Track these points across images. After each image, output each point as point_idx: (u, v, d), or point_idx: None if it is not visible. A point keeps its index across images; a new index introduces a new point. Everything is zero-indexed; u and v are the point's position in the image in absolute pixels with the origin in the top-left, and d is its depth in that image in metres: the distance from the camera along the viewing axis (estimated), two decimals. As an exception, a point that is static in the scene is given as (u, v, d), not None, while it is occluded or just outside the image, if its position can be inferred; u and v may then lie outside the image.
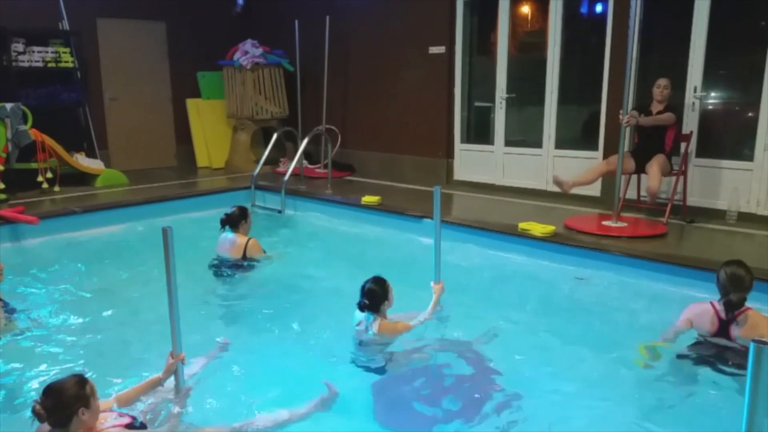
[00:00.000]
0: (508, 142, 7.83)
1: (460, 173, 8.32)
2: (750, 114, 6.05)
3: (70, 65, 8.52)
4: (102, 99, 9.41)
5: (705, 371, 3.40)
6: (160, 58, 9.95)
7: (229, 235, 5.27)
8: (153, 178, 8.68)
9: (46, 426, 2.40)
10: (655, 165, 5.71)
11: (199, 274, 5.12)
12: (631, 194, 6.35)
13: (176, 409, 2.93)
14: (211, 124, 9.94)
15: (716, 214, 6.06)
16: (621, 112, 5.57)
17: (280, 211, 7.33)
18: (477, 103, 8.29)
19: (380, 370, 3.49)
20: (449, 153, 8.37)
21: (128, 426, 2.58)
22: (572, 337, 3.98)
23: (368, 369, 3.51)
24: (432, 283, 4.14)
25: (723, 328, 3.48)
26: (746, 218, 5.91)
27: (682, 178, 6.01)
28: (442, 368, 3.57)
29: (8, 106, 7.15)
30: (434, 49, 8.23)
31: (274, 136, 8.33)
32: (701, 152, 6.24)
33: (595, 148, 6.98)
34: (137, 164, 9.50)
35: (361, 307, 3.64)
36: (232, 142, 9.90)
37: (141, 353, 3.68)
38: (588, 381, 3.43)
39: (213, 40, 9.99)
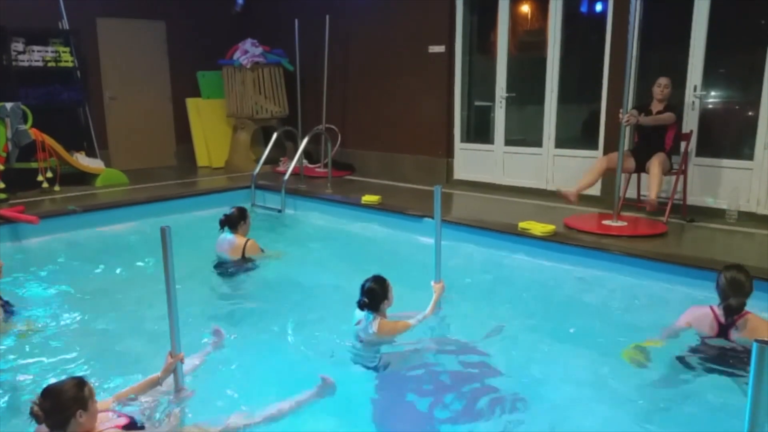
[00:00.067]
0: (508, 142, 7.82)
1: (460, 172, 8.31)
2: (750, 113, 6.05)
3: (70, 65, 8.52)
4: (102, 98, 9.41)
5: (706, 372, 3.40)
6: (160, 57, 9.94)
7: (227, 235, 5.27)
8: (153, 177, 8.68)
9: (44, 427, 2.40)
10: (656, 163, 5.71)
11: (199, 273, 5.12)
12: (631, 193, 6.34)
13: (175, 409, 2.93)
14: (211, 124, 9.93)
15: (716, 214, 6.05)
16: (621, 111, 5.56)
17: (280, 211, 7.32)
18: (477, 103, 8.28)
19: (380, 369, 3.49)
20: (449, 152, 8.36)
21: (126, 426, 2.58)
22: (572, 336, 3.98)
23: (367, 368, 3.51)
24: (432, 283, 4.13)
25: (722, 333, 3.48)
26: (746, 217, 5.91)
27: (682, 177, 6.01)
28: (441, 368, 3.56)
29: (8, 105, 7.15)
30: (434, 48, 8.23)
31: (274, 136, 8.32)
32: (701, 151, 6.24)
33: (595, 147, 6.98)
34: (137, 164, 9.50)
35: (361, 306, 3.64)
36: (232, 142, 9.89)
37: (140, 352, 3.68)
38: (588, 381, 3.43)
39: (213, 40, 9.98)
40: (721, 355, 3.44)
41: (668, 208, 5.83)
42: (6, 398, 3.22)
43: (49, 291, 4.82)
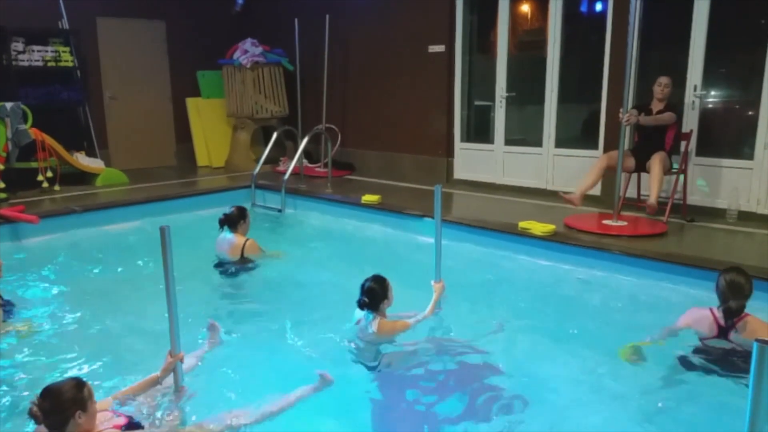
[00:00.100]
0: (508, 141, 7.82)
1: (460, 172, 8.31)
2: (750, 112, 6.05)
3: (70, 64, 8.52)
4: (102, 98, 9.41)
5: (706, 373, 3.39)
6: (159, 57, 9.94)
7: (227, 235, 5.26)
8: (153, 177, 8.68)
9: (43, 428, 2.40)
10: (656, 161, 5.70)
11: (199, 273, 5.12)
12: (631, 193, 6.34)
13: (175, 408, 2.92)
14: (211, 123, 9.93)
15: (716, 213, 6.05)
16: (621, 110, 5.56)
17: (280, 210, 7.32)
18: (477, 102, 8.28)
19: (379, 369, 3.48)
20: (449, 152, 8.36)
21: (125, 426, 2.58)
22: (572, 336, 3.98)
23: (367, 367, 3.51)
24: (432, 282, 4.13)
25: (722, 335, 3.47)
26: (746, 217, 5.91)
27: (682, 176, 6.01)
28: (441, 367, 3.56)
29: (8, 105, 7.15)
30: (434, 48, 8.22)
31: (274, 135, 8.32)
32: (701, 151, 6.24)
33: (595, 146, 6.98)
34: (137, 163, 9.50)
35: (361, 306, 3.65)
36: (232, 141, 9.89)
37: (140, 352, 3.68)
38: (588, 380, 3.43)
39: (213, 39, 9.98)
40: (721, 356, 3.44)
41: (668, 207, 5.82)
42: (5, 398, 3.21)
43: (49, 290, 4.82)
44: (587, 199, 6.53)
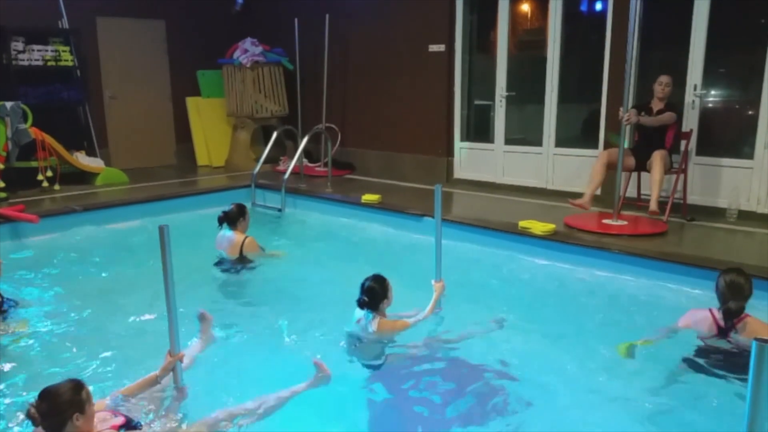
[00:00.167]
0: (508, 141, 7.82)
1: (460, 171, 8.31)
2: (750, 112, 6.05)
3: (70, 64, 8.52)
4: (102, 97, 9.41)
5: (705, 373, 3.39)
6: (159, 56, 9.94)
7: (226, 233, 5.26)
8: (153, 176, 8.68)
9: (40, 430, 2.40)
10: (658, 159, 5.68)
11: (199, 272, 5.11)
12: (632, 192, 6.34)
13: (173, 408, 2.92)
14: (210, 123, 9.93)
15: (716, 212, 6.05)
16: (621, 109, 5.56)
17: (280, 210, 7.32)
18: (477, 101, 8.27)
19: (378, 368, 3.48)
20: (449, 151, 8.36)
21: (123, 426, 2.57)
22: (572, 336, 3.98)
23: (366, 367, 3.51)
24: (433, 282, 4.13)
25: (722, 336, 3.47)
26: (746, 216, 5.91)
27: (682, 176, 6.00)
28: (440, 367, 3.56)
29: (8, 104, 7.15)
30: (434, 47, 8.22)
31: (274, 135, 8.32)
32: (701, 150, 6.24)
33: (595, 146, 6.97)
34: (137, 163, 9.50)
35: (361, 305, 3.65)
36: (232, 141, 9.89)
37: (139, 351, 3.67)
38: (588, 380, 3.43)
39: (213, 39, 9.98)
40: (722, 356, 3.44)
41: (668, 207, 5.82)
42: (3, 399, 3.21)
43: (48, 290, 4.82)
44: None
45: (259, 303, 4.72)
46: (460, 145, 8.28)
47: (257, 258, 5.24)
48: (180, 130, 10.15)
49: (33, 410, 2.36)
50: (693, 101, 6.20)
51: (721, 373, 3.34)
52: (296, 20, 9.26)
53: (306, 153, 8.99)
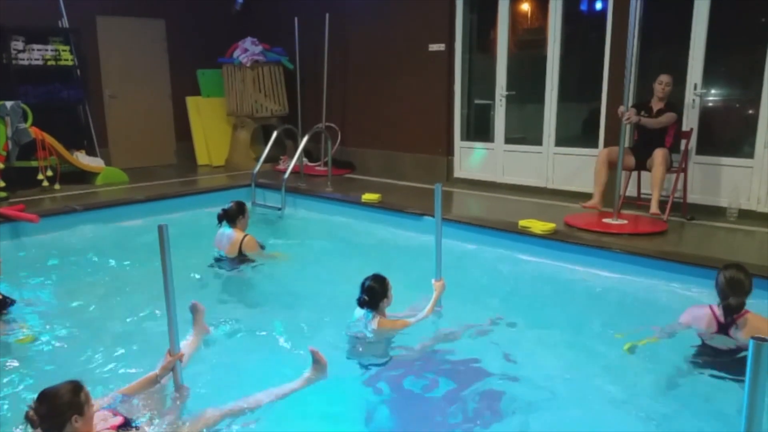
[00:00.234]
0: (508, 140, 7.81)
1: (460, 171, 8.31)
2: (750, 111, 6.04)
3: (70, 63, 8.52)
4: (102, 97, 9.41)
5: (705, 371, 3.39)
6: (159, 55, 9.94)
7: (226, 230, 5.27)
8: (153, 176, 8.68)
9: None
10: (659, 158, 5.68)
11: (198, 271, 5.12)
12: (632, 191, 6.33)
13: (173, 407, 2.92)
14: (210, 122, 9.93)
15: (717, 212, 6.05)
16: (621, 106, 5.55)
17: (280, 209, 7.32)
18: (477, 101, 8.27)
19: (378, 368, 3.48)
20: (449, 150, 8.36)
21: (122, 426, 2.57)
22: (572, 335, 3.97)
23: (366, 366, 3.51)
24: (433, 281, 4.13)
25: (722, 332, 3.47)
26: (746, 215, 5.90)
27: (682, 175, 6.00)
28: (440, 366, 3.56)
29: (8, 104, 7.15)
30: (434, 47, 8.22)
31: (274, 134, 8.31)
32: (701, 149, 6.23)
33: (595, 145, 6.97)
34: (137, 162, 9.50)
35: (361, 304, 3.66)
36: (232, 140, 9.89)
37: (139, 351, 3.68)
38: (588, 379, 3.43)
39: (213, 38, 9.98)
40: (721, 354, 3.44)
41: (669, 206, 5.82)
42: (2, 401, 3.21)
43: (48, 289, 4.82)
44: (588, 197, 6.54)
45: (259, 302, 4.72)
46: (460, 144, 8.27)
47: (256, 257, 5.24)
48: (180, 129, 10.15)
49: (32, 413, 2.35)
50: (693, 100, 6.20)
51: (722, 371, 3.34)
52: (296, 19, 9.26)
53: (306, 152, 8.99)
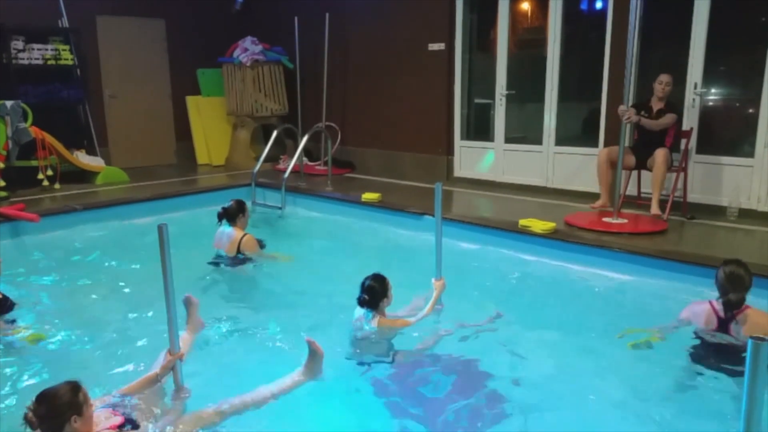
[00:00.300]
0: (508, 139, 7.82)
1: (460, 170, 8.30)
2: (750, 110, 6.04)
3: (70, 63, 8.52)
4: (102, 96, 9.41)
5: (705, 368, 3.39)
6: (159, 55, 9.94)
7: (226, 229, 5.27)
8: (153, 175, 8.69)
9: None
10: (661, 158, 5.68)
11: (198, 271, 5.11)
12: (632, 191, 6.33)
13: (174, 407, 2.92)
14: (211, 122, 9.93)
15: (717, 211, 6.05)
16: (621, 106, 5.55)
17: (280, 208, 7.32)
18: (477, 100, 8.27)
19: (378, 367, 3.48)
20: (449, 150, 8.36)
21: (121, 426, 2.57)
22: (572, 334, 3.97)
23: (365, 365, 3.50)
24: (433, 280, 4.13)
25: (722, 328, 3.47)
26: (747, 215, 5.90)
27: (682, 174, 6.00)
28: (440, 366, 3.56)
29: (8, 103, 7.15)
30: (434, 46, 8.22)
31: (274, 134, 8.31)
32: (701, 149, 6.23)
33: (595, 144, 6.97)
34: (137, 162, 9.50)
35: (361, 303, 3.66)
36: (232, 140, 9.89)
37: (139, 350, 3.67)
38: (589, 378, 3.43)
39: (213, 38, 9.98)
40: (722, 351, 3.44)
41: (669, 205, 5.82)
42: (2, 398, 3.21)
43: (48, 288, 4.82)
44: (588, 197, 6.57)
45: (258, 301, 4.72)
46: (460, 144, 8.27)
47: (256, 257, 5.24)
48: (180, 128, 10.15)
49: (30, 414, 2.35)
50: (693, 100, 6.20)
51: (721, 371, 3.33)
52: (296, 19, 9.26)
53: (306, 152, 8.99)
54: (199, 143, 9.93)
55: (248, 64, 9.33)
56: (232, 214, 5.27)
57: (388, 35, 8.71)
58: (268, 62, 9.54)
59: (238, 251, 5.18)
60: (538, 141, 7.51)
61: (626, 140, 5.69)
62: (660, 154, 5.71)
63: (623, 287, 4.75)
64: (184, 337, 3.51)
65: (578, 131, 7.45)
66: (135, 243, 5.93)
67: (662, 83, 5.86)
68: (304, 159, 8.85)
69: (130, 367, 3.44)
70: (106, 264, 5.48)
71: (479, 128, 8.25)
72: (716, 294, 3.51)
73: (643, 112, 5.84)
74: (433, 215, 4.41)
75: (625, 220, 5.63)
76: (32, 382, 3.31)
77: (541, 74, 7.33)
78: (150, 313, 4.16)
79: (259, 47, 9.42)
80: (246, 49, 9.36)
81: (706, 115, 6.26)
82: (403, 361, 3.56)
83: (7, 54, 8.01)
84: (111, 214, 6.62)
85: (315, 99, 9.38)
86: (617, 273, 4.91)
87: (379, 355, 3.57)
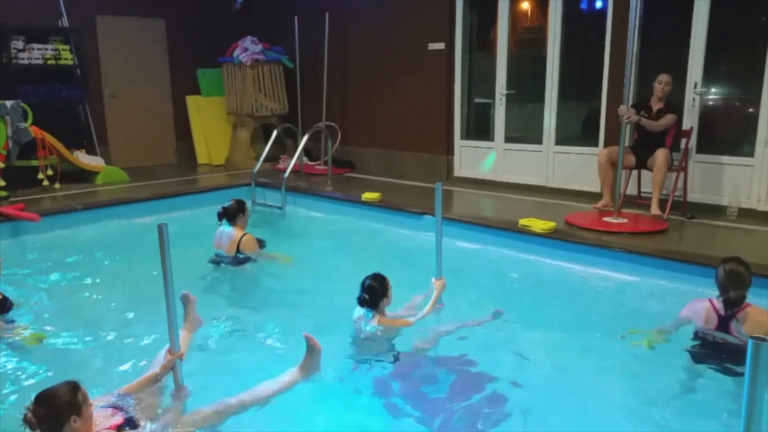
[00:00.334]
0: (509, 139, 7.81)
1: (460, 170, 8.30)
2: (750, 110, 6.04)
3: (70, 62, 8.52)
4: (102, 96, 9.41)
5: (705, 367, 3.39)
6: (159, 55, 9.94)
7: (226, 228, 5.27)
8: (153, 175, 8.69)
9: None
10: (661, 158, 5.68)
11: (198, 270, 5.12)
12: (632, 190, 6.33)
13: (174, 407, 2.92)
14: (211, 121, 9.93)
15: (717, 210, 6.05)
16: (622, 106, 5.55)
17: (280, 208, 7.32)
18: (477, 100, 8.27)
19: (378, 367, 3.48)
20: (449, 149, 8.35)
21: (121, 426, 2.57)
22: (572, 333, 3.97)
23: (365, 365, 3.50)
24: (433, 280, 4.13)
25: (722, 326, 3.46)
26: (747, 214, 5.90)
27: (682, 173, 6.00)
28: (440, 365, 3.56)
29: (8, 103, 7.16)
30: (434, 46, 8.22)
31: (274, 133, 8.31)
32: (701, 148, 6.23)
33: (595, 144, 6.97)
34: (137, 161, 9.50)
35: (361, 303, 3.66)
36: (232, 139, 9.89)
37: (139, 350, 3.67)
38: (588, 379, 3.43)
39: (212, 37, 9.98)
40: (722, 351, 3.43)
41: (669, 204, 5.82)
42: (2, 398, 3.21)
43: (48, 288, 4.82)
44: (588, 196, 6.57)
45: (258, 300, 4.72)
46: (460, 144, 8.27)
47: (256, 256, 5.24)
48: (180, 128, 10.15)
49: (30, 414, 2.35)
50: (693, 99, 6.19)
51: (722, 371, 3.34)
52: (296, 19, 9.26)
53: (306, 151, 8.99)
54: (199, 143, 9.93)
55: (248, 64, 9.33)
56: (232, 214, 5.27)
57: (388, 35, 8.71)
58: (268, 62, 9.54)
59: (238, 251, 5.17)
60: (538, 141, 7.50)
61: (626, 140, 5.69)
62: (661, 155, 5.71)
63: (623, 287, 4.75)
64: (181, 335, 3.50)
65: (578, 131, 7.45)
66: (135, 243, 5.92)
67: (662, 83, 5.85)
68: (304, 159, 8.85)
69: (129, 366, 3.45)
70: (106, 264, 5.48)
71: (479, 128, 8.25)
72: (717, 293, 3.51)
73: (642, 112, 5.84)
74: (433, 215, 4.41)
75: (626, 220, 5.63)
76: (31, 382, 3.31)
77: (541, 74, 7.33)
78: (150, 313, 4.15)
79: (259, 47, 9.42)
80: (246, 49, 9.36)
81: (706, 114, 6.26)
82: (403, 361, 3.56)
83: (7, 54, 8.02)
84: (111, 213, 6.62)
85: (315, 99, 9.38)
86: (617, 273, 4.90)
87: (379, 354, 3.57)
